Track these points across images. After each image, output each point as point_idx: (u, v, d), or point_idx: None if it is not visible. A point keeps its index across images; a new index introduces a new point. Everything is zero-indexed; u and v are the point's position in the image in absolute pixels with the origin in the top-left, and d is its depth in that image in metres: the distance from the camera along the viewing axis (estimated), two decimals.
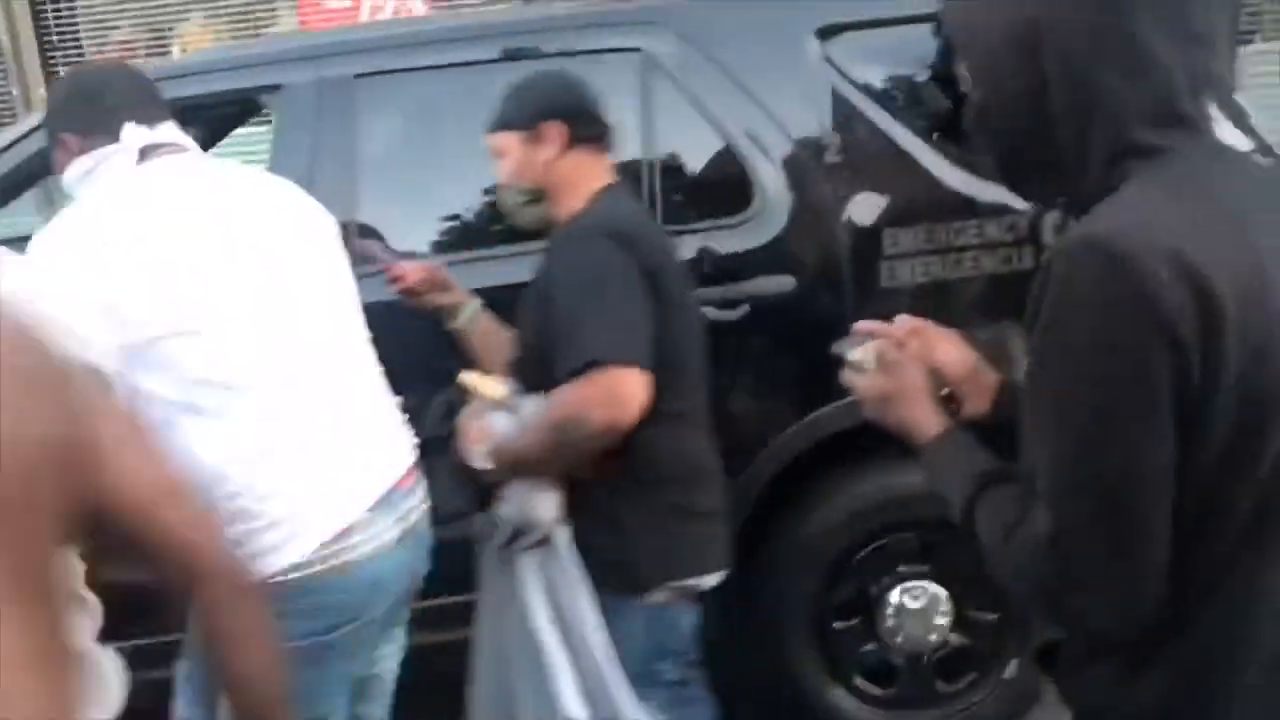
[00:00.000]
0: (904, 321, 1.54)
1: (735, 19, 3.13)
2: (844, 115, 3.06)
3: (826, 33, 3.07)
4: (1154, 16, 1.14)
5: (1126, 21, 1.14)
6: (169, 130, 2.10)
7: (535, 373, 2.23)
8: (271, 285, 2.01)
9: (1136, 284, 1.05)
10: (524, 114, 2.33)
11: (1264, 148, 1.22)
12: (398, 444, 2.21)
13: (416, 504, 2.19)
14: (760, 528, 3.03)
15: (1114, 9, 1.15)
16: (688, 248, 3.00)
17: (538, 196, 2.35)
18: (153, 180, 2.02)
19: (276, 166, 2.85)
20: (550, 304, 2.18)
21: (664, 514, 2.24)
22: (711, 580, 2.35)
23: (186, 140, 2.14)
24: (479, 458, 2.24)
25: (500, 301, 2.79)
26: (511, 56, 3.05)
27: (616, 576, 2.21)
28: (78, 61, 8.51)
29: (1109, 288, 1.07)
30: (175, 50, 8.69)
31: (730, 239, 3.03)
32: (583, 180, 2.32)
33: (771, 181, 3.04)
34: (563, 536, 2.20)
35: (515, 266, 3.03)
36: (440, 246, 3.11)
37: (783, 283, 3.00)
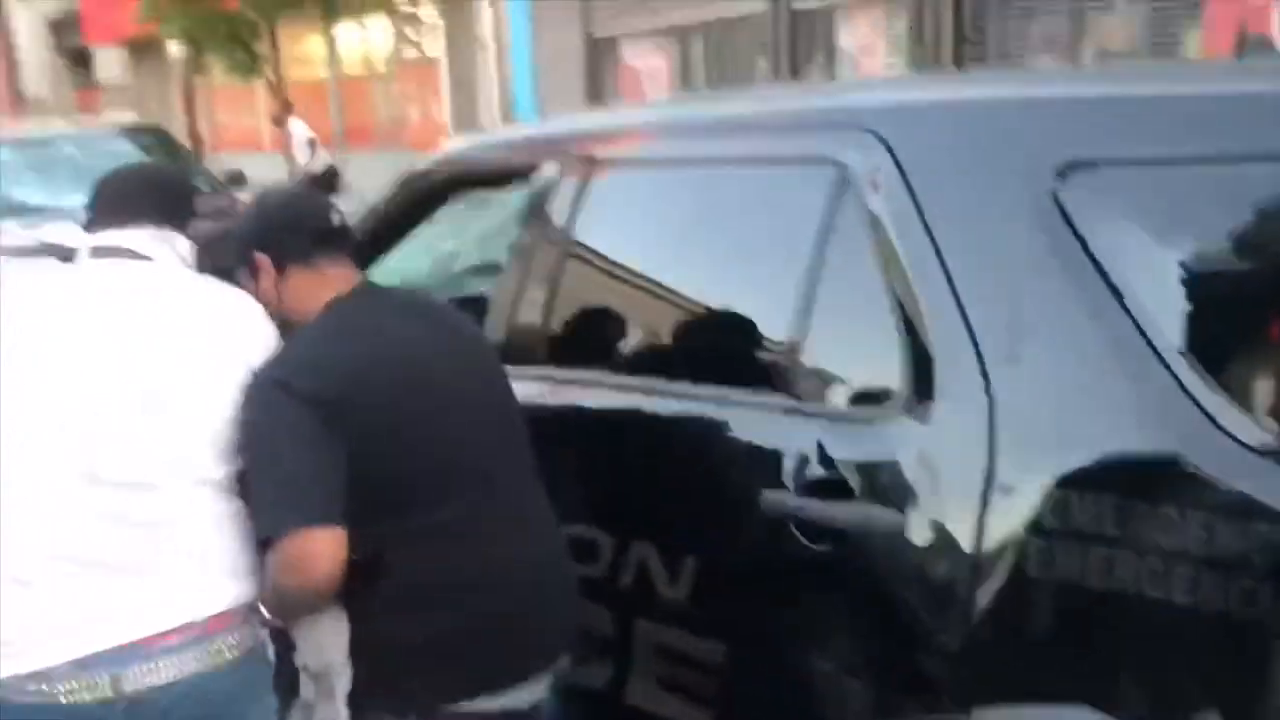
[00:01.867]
0: None
1: None
2: None
3: None
4: None
5: None
6: (134, 234, 2.08)
7: None
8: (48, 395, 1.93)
9: None
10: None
11: None
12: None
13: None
14: None
15: None
16: None
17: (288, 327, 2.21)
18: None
19: None
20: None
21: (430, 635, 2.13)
22: (501, 700, 2.16)
23: (151, 247, 2.09)
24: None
25: None
26: None
27: (385, 701, 2.14)
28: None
29: None
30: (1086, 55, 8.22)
31: None
32: (309, 301, 2.19)
33: None
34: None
35: None
36: None
37: None
